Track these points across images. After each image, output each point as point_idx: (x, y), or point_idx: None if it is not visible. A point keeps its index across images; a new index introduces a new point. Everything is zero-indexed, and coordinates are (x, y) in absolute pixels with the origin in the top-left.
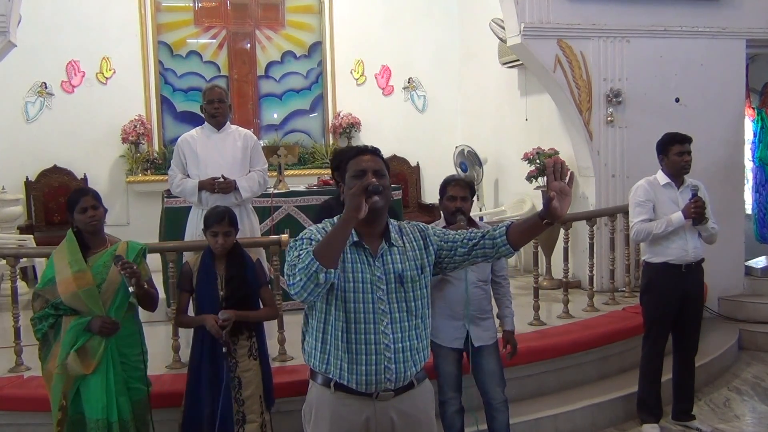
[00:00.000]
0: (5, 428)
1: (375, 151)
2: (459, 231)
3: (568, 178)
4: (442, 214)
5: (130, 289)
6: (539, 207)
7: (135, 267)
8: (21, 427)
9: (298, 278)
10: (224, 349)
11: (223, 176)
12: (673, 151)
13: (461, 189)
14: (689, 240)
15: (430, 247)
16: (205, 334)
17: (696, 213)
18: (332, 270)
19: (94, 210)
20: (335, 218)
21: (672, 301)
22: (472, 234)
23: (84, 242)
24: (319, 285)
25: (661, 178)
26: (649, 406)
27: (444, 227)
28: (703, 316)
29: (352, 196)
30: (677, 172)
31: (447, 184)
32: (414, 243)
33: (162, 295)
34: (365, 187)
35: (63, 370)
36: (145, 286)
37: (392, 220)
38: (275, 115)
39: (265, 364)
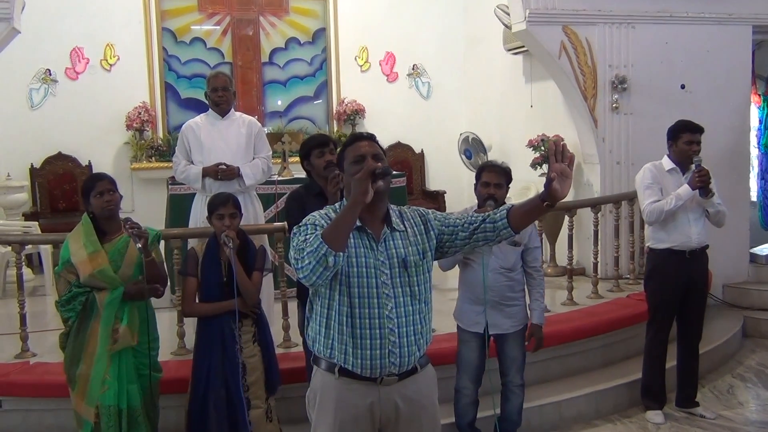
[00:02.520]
0: (11, 414)
1: (371, 137)
2: (461, 215)
3: (568, 160)
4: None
5: (138, 246)
6: None
7: (143, 228)
8: (27, 413)
9: (306, 262)
10: (229, 244)
11: (224, 163)
12: (683, 139)
13: (496, 176)
14: (693, 226)
15: (431, 232)
16: (212, 321)
17: (701, 181)
18: (341, 253)
19: (110, 194)
20: (337, 205)
21: (676, 287)
22: (473, 218)
23: (99, 228)
24: (328, 268)
25: (667, 163)
26: (653, 392)
27: (475, 211)
28: (707, 303)
29: (358, 181)
30: (684, 161)
31: (482, 170)
32: (415, 228)
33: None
34: (372, 171)
35: (111, 345)
36: (153, 255)
37: (392, 206)
38: (279, 102)
39: (268, 351)
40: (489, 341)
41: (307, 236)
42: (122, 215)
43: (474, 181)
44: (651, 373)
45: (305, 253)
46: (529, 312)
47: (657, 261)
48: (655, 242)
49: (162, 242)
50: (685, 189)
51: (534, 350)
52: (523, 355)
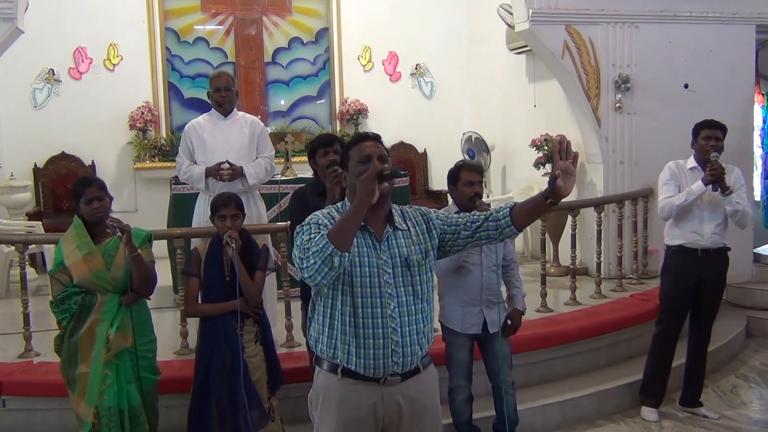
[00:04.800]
0: (15, 413)
1: (376, 137)
2: (462, 214)
3: (572, 158)
4: (451, 200)
5: (118, 235)
6: None
7: (124, 223)
8: (30, 412)
9: (311, 261)
10: (232, 244)
11: (228, 161)
12: (701, 135)
13: (477, 174)
14: (706, 224)
15: (434, 231)
16: (214, 321)
17: (712, 176)
18: (347, 254)
19: (99, 201)
20: (339, 204)
21: (685, 285)
22: (476, 216)
23: (90, 231)
24: (333, 268)
25: (690, 162)
26: (651, 389)
27: (456, 212)
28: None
29: (365, 182)
30: (703, 156)
31: (460, 170)
32: (417, 227)
33: (169, 282)
34: (379, 172)
35: (105, 354)
36: (138, 250)
37: (395, 205)
38: (282, 102)
39: (270, 350)
40: (482, 340)
41: (311, 236)
42: (123, 216)
43: (449, 183)
44: (653, 368)
45: (310, 253)
46: (511, 300)
47: (669, 257)
48: (669, 238)
49: (165, 242)
50: (697, 184)
51: (509, 334)
52: (510, 351)
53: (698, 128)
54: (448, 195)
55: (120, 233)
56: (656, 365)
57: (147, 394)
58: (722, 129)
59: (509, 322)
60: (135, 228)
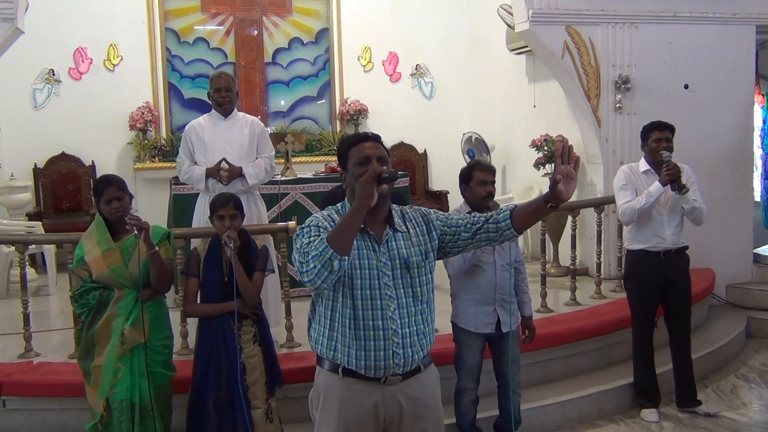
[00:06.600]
0: (15, 413)
1: (376, 138)
2: (463, 215)
3: (574, 162)
4: (462, 200)
5: (135, 233)
6: None
7: (143, 220)
8: (30, 413)
9: (311, 265)
10: (231, 244)
11: (225, 159)
12: (652, 138)
13: (490, 173)
14: (666, 227)
15: (434, 232)
16: (212, 321)
17: (669, 175)
18: (346, 257)
19: (118, 201)
20: (339, 205)
21: (652, 287)
22: (476, 218)
23: (110, 228)
24: (333, 272)
25: (642, 165)
26: (645, 391)
27: (469, 212)
28: (710, 303)
29: (363, 184)
30: (655, 159)
31: (473, 169)
32: (417, 228)
33: None
34: (378, 174)
35: (119, 348)
36: (156, 247)
37: (394, 206)
38: (282, 102)
39: (268, 351)
40: (494, 339)
41: (311, 239)
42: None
43: (462, 183)
44: (641, 371)
45: (310, 257)
46: (519, 306)
47: (632, 261)
48: (630, 243)
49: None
50: (655, 186)
51: (530, 341)
52: (519, 351)
53: (647, 131)
54: (461, 194)
55: (138, 231)
56: (641, 366)
57: (160, 389)
58: (671, 129)
59: (527, 331)
60: (155, 226)
